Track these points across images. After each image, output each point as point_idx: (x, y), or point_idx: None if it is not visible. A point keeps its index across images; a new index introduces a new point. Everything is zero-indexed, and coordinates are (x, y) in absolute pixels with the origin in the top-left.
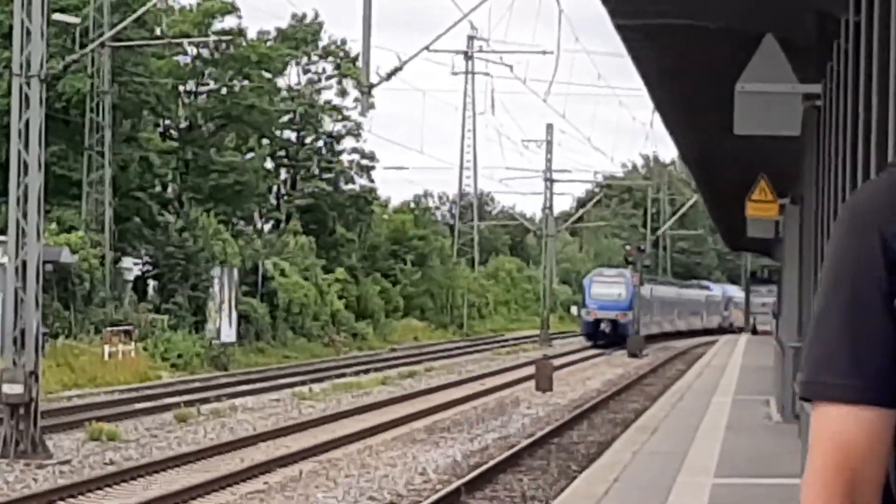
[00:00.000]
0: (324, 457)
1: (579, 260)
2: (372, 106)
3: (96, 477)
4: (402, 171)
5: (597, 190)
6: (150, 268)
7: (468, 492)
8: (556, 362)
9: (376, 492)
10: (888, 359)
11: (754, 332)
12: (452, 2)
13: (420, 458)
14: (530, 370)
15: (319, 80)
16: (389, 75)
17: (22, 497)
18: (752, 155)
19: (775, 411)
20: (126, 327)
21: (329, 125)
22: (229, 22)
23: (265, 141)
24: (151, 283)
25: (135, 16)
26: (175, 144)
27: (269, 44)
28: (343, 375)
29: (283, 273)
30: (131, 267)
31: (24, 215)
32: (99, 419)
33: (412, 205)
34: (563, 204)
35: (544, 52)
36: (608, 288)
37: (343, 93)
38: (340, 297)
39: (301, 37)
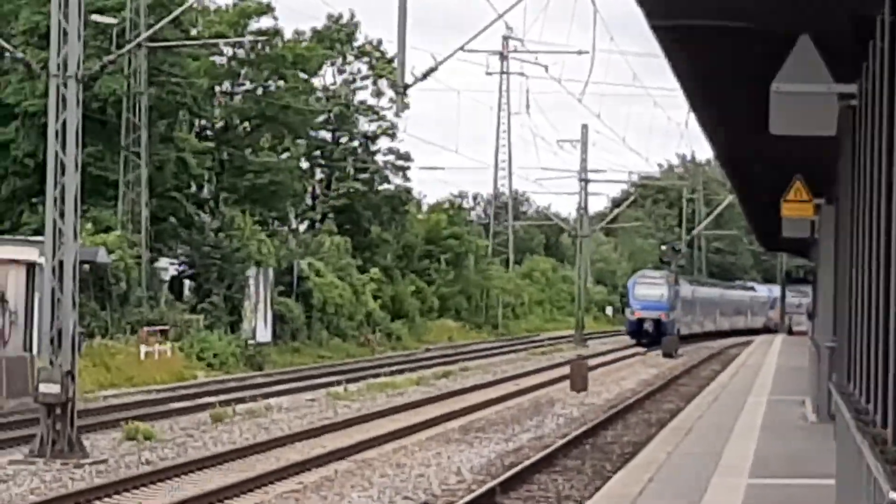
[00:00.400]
0: (359, 457)
1: (614, 260)
2: (407, 106)
3: (132, 476)
4: (437, 171)
5: (631, 190)
6: (186, 268)
7: (503, 492)
8: (591, 362)
9: (411, 492)
10: None
11: (790, 332)
12: (487, 2)
13: (455, 458)
14: (565, 370)
15: (354, 81)
16: (424, 75)
17: (58, 496)
18: (787, 155)
19: (811, 412)
20: (162, 327)
21: (364, 125)
22: (265, 22)
23: (300, 141)
24: (187, 283)
25: (171, 17)
26: (211, 145)
27: (304, 44)
28: (378, 375)
29: (318, 273)
30: (167, 267)
31: (61, 215)
32: (135, 419)
33: (446, 205)
34: (597, 204)
35: (579, 52)
36: (651, 289)
37: (378, 93)
38: (375, 297)
39: (336, 37)
